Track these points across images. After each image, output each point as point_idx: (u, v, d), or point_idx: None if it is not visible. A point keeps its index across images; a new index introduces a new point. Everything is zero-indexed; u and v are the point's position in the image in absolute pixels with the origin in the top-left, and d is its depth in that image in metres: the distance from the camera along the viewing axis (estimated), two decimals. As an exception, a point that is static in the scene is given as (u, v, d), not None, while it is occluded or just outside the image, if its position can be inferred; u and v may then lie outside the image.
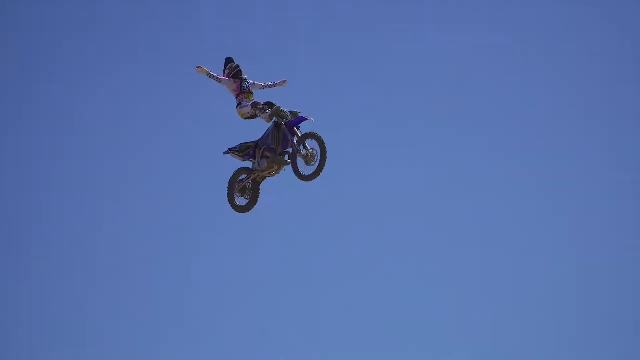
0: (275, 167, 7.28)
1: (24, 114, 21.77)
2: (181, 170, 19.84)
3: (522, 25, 22.41)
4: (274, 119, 7.09)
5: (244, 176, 7.65)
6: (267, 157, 7.18)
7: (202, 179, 17.87)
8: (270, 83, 7.63)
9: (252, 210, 7.73)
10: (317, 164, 6.84)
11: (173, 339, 17.02)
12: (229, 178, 7.67)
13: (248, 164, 7.59)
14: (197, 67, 7.11)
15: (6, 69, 22.54)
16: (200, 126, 19.32)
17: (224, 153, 7.67)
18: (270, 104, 7.18)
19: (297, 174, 7.06)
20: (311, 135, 6.93)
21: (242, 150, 7.54)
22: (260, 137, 7.43)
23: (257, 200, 7.70)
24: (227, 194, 7.71)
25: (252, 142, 7.49)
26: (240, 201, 7.74)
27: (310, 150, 6.90)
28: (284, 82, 7.70)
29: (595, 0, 22.89)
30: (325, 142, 6.81)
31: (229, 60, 7.47)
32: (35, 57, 22.29)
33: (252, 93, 7.35)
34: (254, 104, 7.18)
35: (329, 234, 18.91)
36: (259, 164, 7.31)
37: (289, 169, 7.24)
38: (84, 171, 20.83)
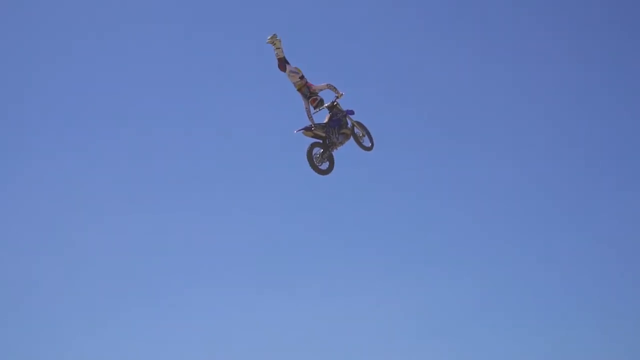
0: (346, 141, 9.89)
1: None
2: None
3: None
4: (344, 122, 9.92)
5: (317, 148, 9.59)
6: (345, 134, 9.81)
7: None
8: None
9: (332, 172, 9.86)
10: (366, 138, 10.21)
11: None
12: (306, 153, 9.42)
13: (318, 140, 9.56)
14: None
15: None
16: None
17: (296, 131, 9.36)
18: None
19: (360, 146, 10.17)
20: (358, 124, 10.18)
21: (318, 130, 9.37)
22: (325, 122, 9.63)
23: (334, 165, 9.84)
24: (310, 164, 9.48)
25: (321, 125, 9.46)
26: (323, 166, 9.77)
27: (360, 133, 10.25)
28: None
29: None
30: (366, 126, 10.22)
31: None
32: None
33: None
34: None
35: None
36: (337, 139, 9.66)
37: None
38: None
